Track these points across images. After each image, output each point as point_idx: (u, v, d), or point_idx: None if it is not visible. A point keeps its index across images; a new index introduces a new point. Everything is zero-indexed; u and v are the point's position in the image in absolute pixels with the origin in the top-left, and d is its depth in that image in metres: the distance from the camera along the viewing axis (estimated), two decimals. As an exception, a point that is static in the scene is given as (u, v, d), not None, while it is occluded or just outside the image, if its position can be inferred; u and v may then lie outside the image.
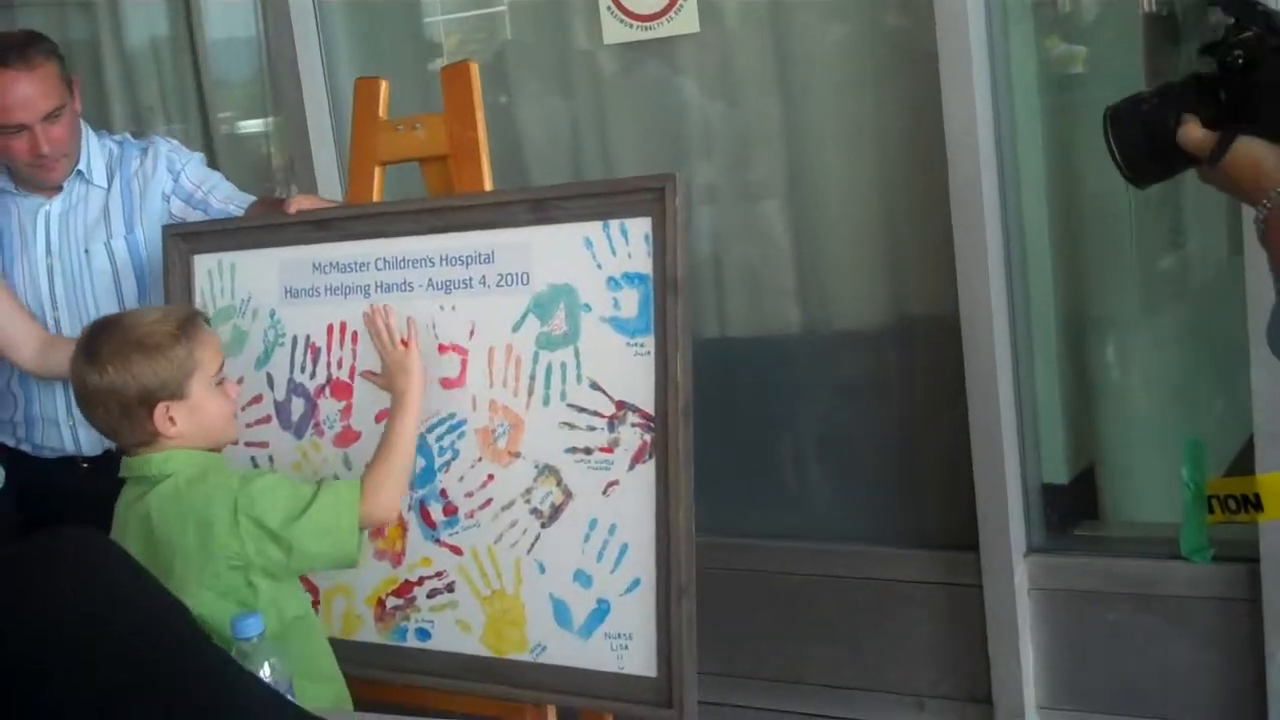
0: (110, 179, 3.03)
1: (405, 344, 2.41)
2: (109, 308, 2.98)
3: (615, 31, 3.45)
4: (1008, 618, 3.25)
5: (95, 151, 3.03)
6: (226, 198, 3.02)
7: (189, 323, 2.25)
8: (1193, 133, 1.66)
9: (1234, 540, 3.06)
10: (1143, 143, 1.68)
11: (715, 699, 3.32)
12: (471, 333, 2.46)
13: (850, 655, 3.49)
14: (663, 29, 3.41)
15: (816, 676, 3.54)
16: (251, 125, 4.44)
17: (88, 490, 2.93)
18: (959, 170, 3.11)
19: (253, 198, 3.06)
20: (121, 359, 2.18)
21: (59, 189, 3.00)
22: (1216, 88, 1.65)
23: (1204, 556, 3.10)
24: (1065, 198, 3.32)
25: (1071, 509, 3.39)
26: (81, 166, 3.00)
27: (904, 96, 3.26)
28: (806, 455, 3.61)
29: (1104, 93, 3.32)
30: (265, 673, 2.01)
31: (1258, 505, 2.99)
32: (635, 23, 3.42)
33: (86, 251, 3.00)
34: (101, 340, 2.22)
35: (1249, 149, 1.64)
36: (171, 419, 2.20)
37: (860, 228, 3.40)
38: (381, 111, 2.72)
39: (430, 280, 2.50)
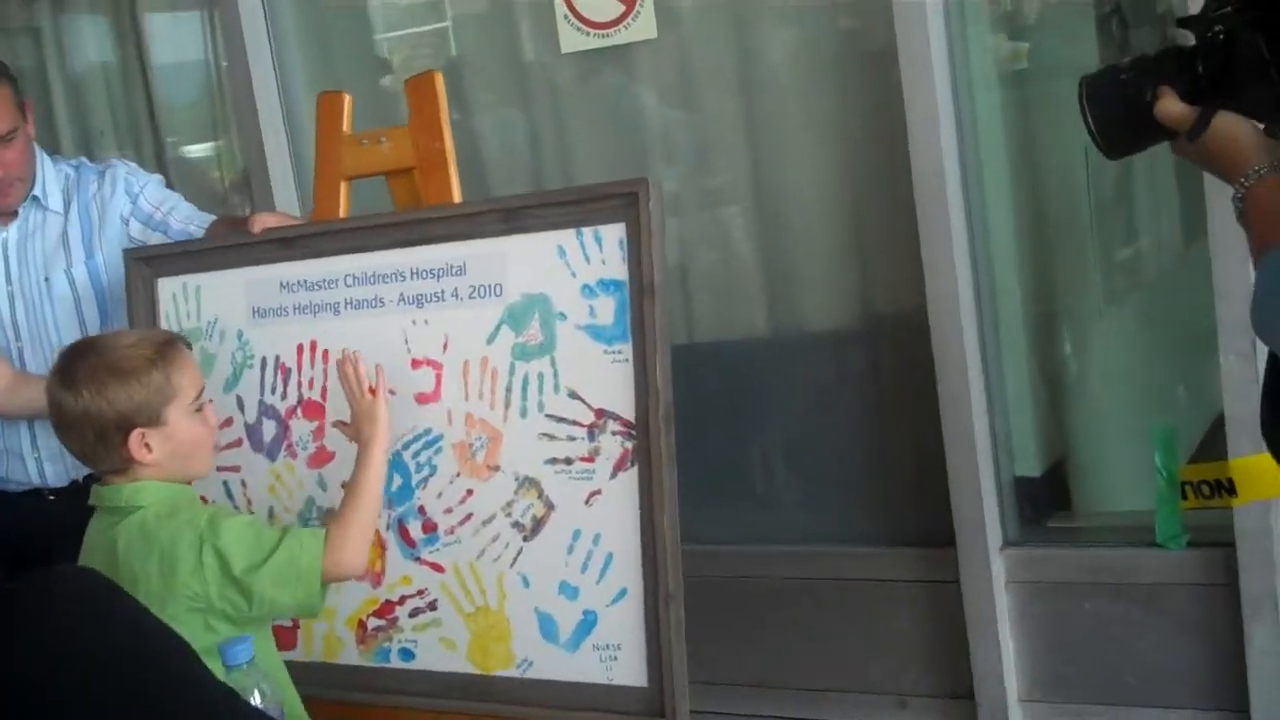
0: (67, 204, 2.99)
1: (374, 392, 2.32)
2: (71, 336, 2.93)
3: (572, 40, 3.44)
4: (986, 612, 3.25)
5: (51, 177, 2.99)
6: (186, 218, 2.98)
7: (167, 347, 2.20)
8: (1171, 107, 1.63)
9: (1208, 525, 3.08)
10: (1119, 114, 1.66)
11: (698, 707, 3.28)
12: (445, 346, 2.44)
13: (831, 657, 3.49)
14: (620, 36, 3.39)
15: (798, 680, 3.53)
16: (204, 146, 4.41)
17: (55, 523, 2.89)
18: (922, 167, 3.11)
19: (213, 217, 3.03)
20: (97, 383, 2.12)
21: (14, 215, 2.96)
22: (1194, 61, 1.63)
23: (1179, 543, 3.11)
24: (1028, 193, 3.33)
25: (1045, 501, 3.40)
26: (37, 192, 2.96)
27: (865, 96, 3.26)
28: (779, 458, 3.60)
29: (1062, 86, 3.36)
30: (256, 699, 1.98)
31: (1231, 490, 3.00)
32: (592, 30, 3.41)
33: (46, 279, 2.95)
34: (78, 364, 2.17)
35: (1228, 124, 1.62)
36: (147, 446, 2.14)
37: (825, 228, 3.40)
38: (345, 126, 2.70)
39: (402, 295, 2.47)
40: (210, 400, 2.29)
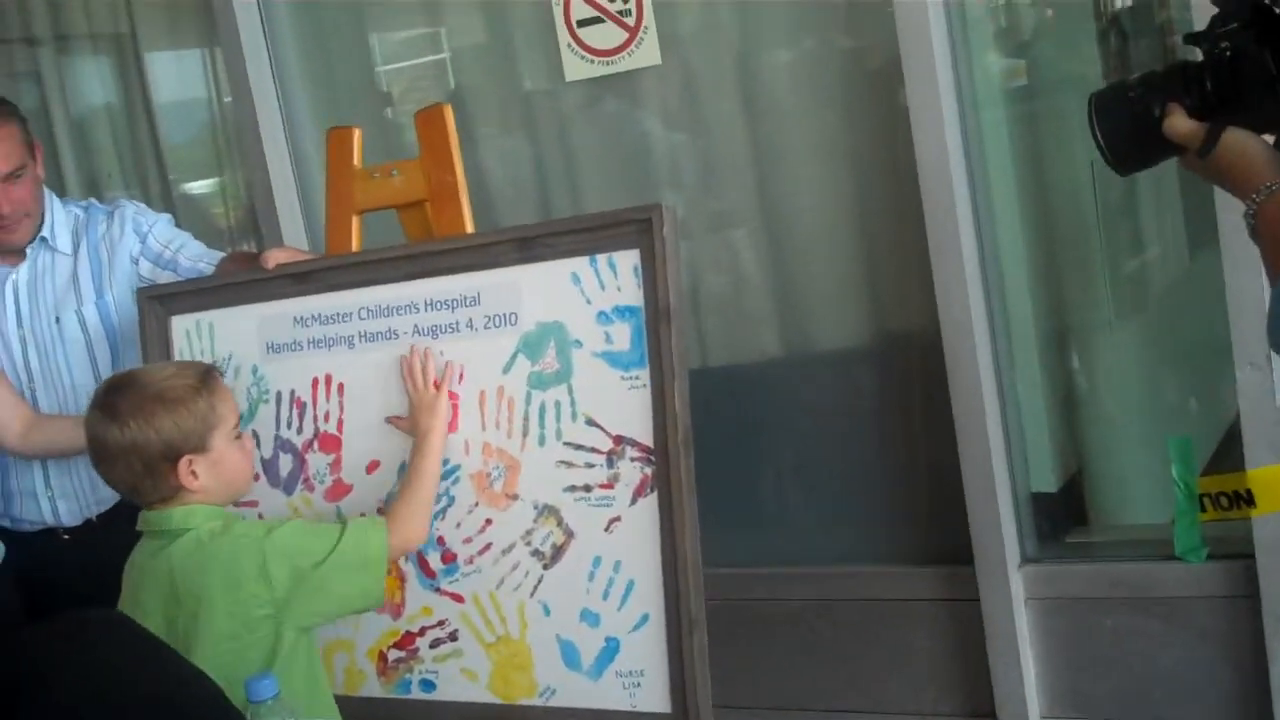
0: (76, 245, 2.99)
1: (438, 386, 2.41)
2: (84, 377, 2.95)
3: (576, 68, 3.45)
4: (1006, 630, 3.24)
5: (60, 218, 3.00)
6: (196, 256, 2.99)
7: (208, 376, 2.25)
8: (1179, 124, 1.64)
9: (1228, 537, 3.07)
10: (1128, 131, 1.67)
11: (718, 731, 3.30)
12: (460, 377, 2.44)
13: (850, 678, 3.48)
14: (624, 63, 3.40)
15: (818, 701, 3.52)
16: (210, 183, 4.42)
17: (70, 562, 2.93)
18: (930, 185, 3.11)
19: (222, 254, 3.03)
20: (144, 414, 2.16)
21: (23, 256, 2.96)
22: (1201, 77, 1.64)
23: (1199, 556, 3.11)
24: (1036, 208, 3.33)
25: (1062, 516, 3.39)
26: (45, 233, 2.96)
27: (871, 116, 3.27)
28: (795, 480, 3.60)
29: (1066, 101, 3.38)
30: (281, 732, 1.98)
31: (1250, 500, 2.99)
32: (596, 58, 3.42)
33: (58, 320, 2.96)
34: (119, 397, 2.20)
35: (1237, 140, 1.63)
36: (194, 473, 2.18)
37: (835, 249, 3.40)
38: (356, 160, 2.70)
39: (416, 326, 2.47)
40: (244, 432, 2.36)
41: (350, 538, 2.19)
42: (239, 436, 2.28)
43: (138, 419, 2.16)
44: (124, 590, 2.27)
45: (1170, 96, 1.64)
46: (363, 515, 2.45)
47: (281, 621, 2.15)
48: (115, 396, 2.21)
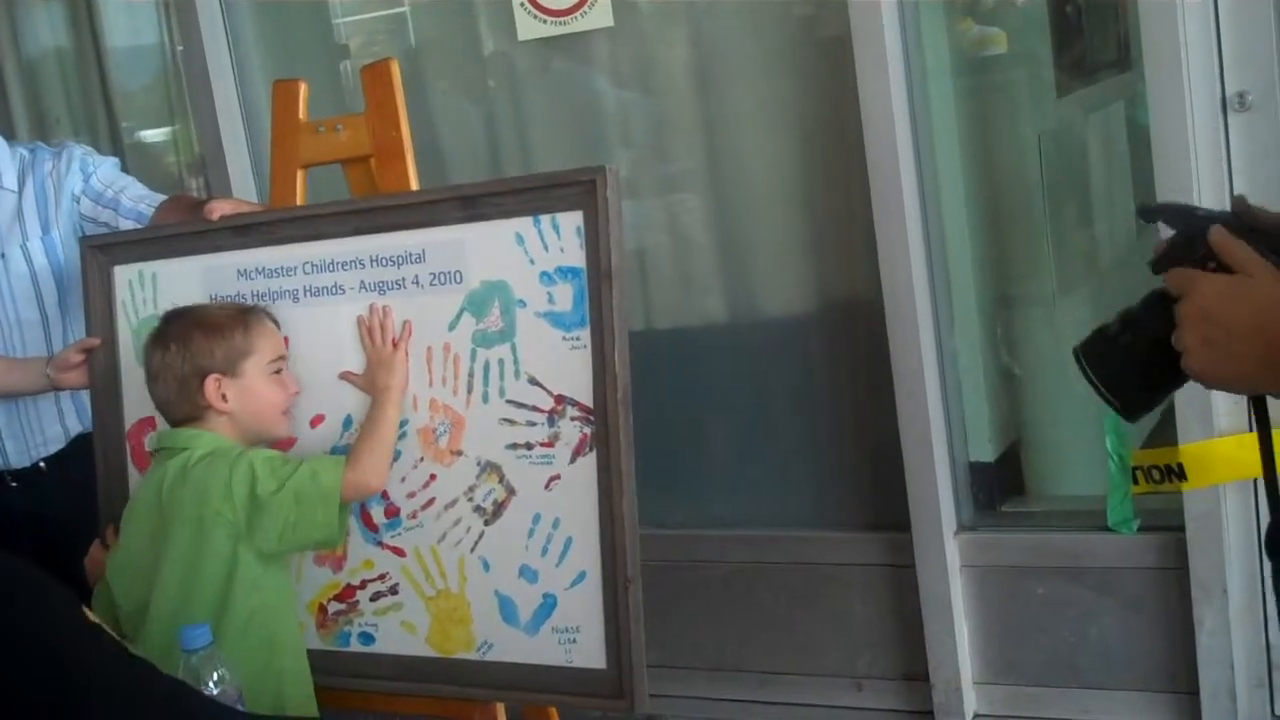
0: (22, 182, 2.97)
1: (395, 345, 2.43)
2: (30, 312, 2.93)
3: (529, 28, 3.45)
4: (941, 596, 3.29)
5: (5, 157, 2.97)
6: (138, 198, 2.96)
7: (250, 310, 2.44)
8: (1228, 239, 1.43)
9: (1159, 510, 3.13)
10: (1135, 377, 1.52)
11: (654, 691, 3.27)
12: (408, 333, 2.44)
13: (787, 640, 3.52)
14: (577, 24, 3.41)
15: (754, 663, 3.57)
16: (160, 131, 4.39)
17: (16, 509, 2.91)
18: (876, 155, 3.14)
19: (164, 197, 3.02)
20: (184, 336, 2.37)
21: None
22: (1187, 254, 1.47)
23: (1130, 528, 3.16)
24: (982, 180, 3.37)
25: (998, 486, 3.44)
26: None
27: (819, 83, 3.29)
28: (734, 444, 3.63)
29: (1016, 74, 3.41)
30: (213, 682, 1.99)
31: (1181, 475, 3.05)
32: (549, 18, 3.42)
33: (3, 255, 2.93)
34: (172, 324, 2.42)
35: None
36: (224, 395, 2.34)
37: (781, 215, 3.43)
38: (301, 114, 2.68)
39: (362, 282, 2.47)
40: (287, 366, 2.46)
41: (305, 469, 2.29)
42: (279, 372, 2.42)
43: (179, 341, 2.37)
44: (127, 504, 2.49)
45: (1160, 330, 1.45)
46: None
47: (238, 544, 2.26)
48: (168, 324, 2.43)
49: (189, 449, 2.33)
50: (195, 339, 2.36)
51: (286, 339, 2.53)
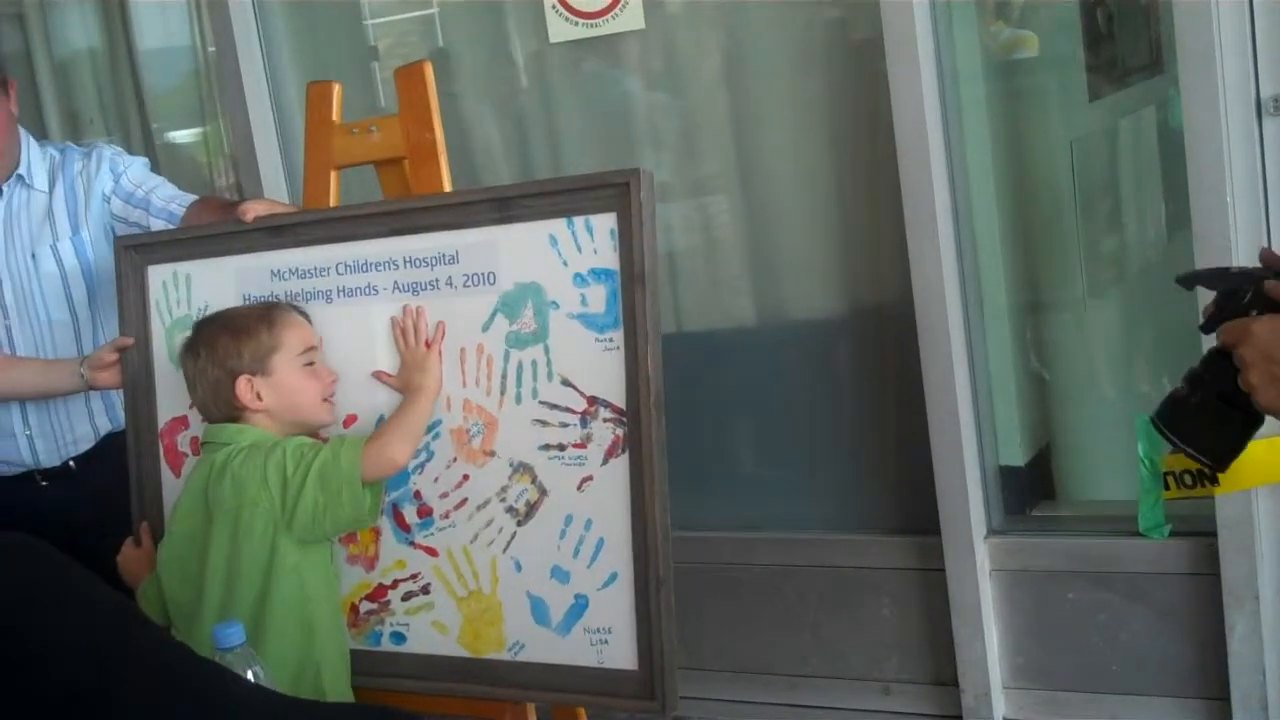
0: (52, 183, 2.99)
1: (429, 345, 2.44)
2: (61, 313, 2.96)
3: (561, 30, 3.46)
4: (970, 600, 3.28)
5: (36, 157, 3.00)
6: (168, 198, 2.98)
7: (275, 306, 2.48)
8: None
9: (1191, 516, 3.11)
10: (1214, 430, 1.63)
11: (683, 693, 3.30)
12: (442, 333, 2.45)
13: (815, 644, 3.52)
14: (608, 26, 3.41)
15: (782, 666, 3.56)
16: (192, 132, 4.41)
17: (46, 509, 2.93)
18: (908, 157, 3.13)
19: (194, 197, 3.03)
20: (211, 341, 2.41)
21: None
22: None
23: (1161, 533, 3.12)
24: (1013, 183, 3.36)
25: (1029, 491, 3.43)
26: (21, 171, 2.96)
27: (851, 85, 3.29)
28: (763, 446, 3.63)
29: (1047, 76, 3.40)
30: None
31: (1213, 480, 3.02)
32: (581, 20, 3.43)
33: (33, 256, 2.95)
34: (201, 331, 2.47)
35: None
36: (257, 394, 2.37)
37: (812, 218, 3.43)
38: (335, 115, 2.70)
39: (395, 283, 2.48)
40: (320, 357, 2.48)
41: (326, 451, 2.33)
42: (311, 364, 2.44)
43: (207, 347, 2.41)
44: (176, 499, 2.51)
45: (1219, 382, 1.58)
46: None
47: (276, 532, 2.30)
48: (199, 330, 2.48)
49: (232, 443, 2.37)
50: (222, 342, 2.39)
51: (320, 339, 2.54)
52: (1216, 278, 1.63)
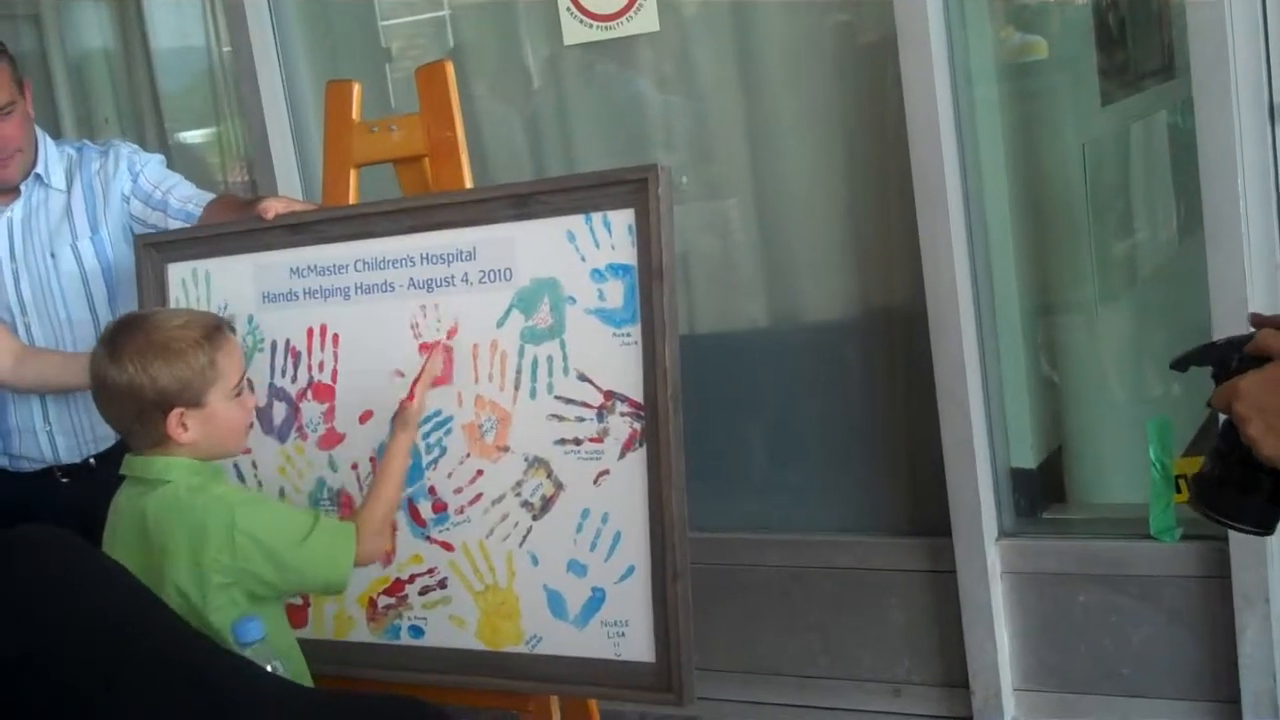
0: (70, 182, 3.01)
1: (412, 397, 2.40)
2: (80, 312, 2.97)
3: (575, 32, 3.47)
4: (982, 602, 3.28)
5: (53, 156, 3.02)
6: (186, 198, 3.00)
7: (215, 332, 2.23)
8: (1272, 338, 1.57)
9: (1201, 519, 3.10)
10: (1245, 497, 1.60)
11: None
12: (455, 330, 2.47)
13: (825, 645, 3.52)
14: (623, 28, 3.43)
15: (792, 667, 3.56)
16: (207, 132, 4.43)
17: (65, 504, 2.93)
18: (921, 160, 3.14)
19: (213, 196, 3.05)
20: (142, 359, 2.16)
21: (16, 194, 2.98)
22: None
23: (1172, 536, 3.15)
24: (1026, 186, 3.37)
25: (1040, 493, 3.44)
26: (39, 170, 2.98)
27: (865, 88, 3.30)
28: (775, 447, 3.63)
29: (1060, 78, 3.41)
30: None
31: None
32: (595, 23, 3.44)
33: (52, 255, 2.97)
34: (126, 337, 2.20)
35: None
36: (184, 425, 2.18)
37: (824, 220, 3.44)
38: (355, 114, 2.73)
39: (412, 280, 2.50)
40: (250, 384, 2.32)
41: (322, 531, 2.20)
42: (239, 395, 2.25)
43: (136, 363, 2.16)
44: (105, 530, 2.29)
45: (1237, 450, 1.55)
46: (327, 514, 2.49)
47: (235, 591, 2.15)
48: (122, 336, 2.21)
49: (170, 480, 2.20)
50: (155, 366, 2.16)
51: (337, 336, 2.56)
52: (1205, 354, 1.63)
